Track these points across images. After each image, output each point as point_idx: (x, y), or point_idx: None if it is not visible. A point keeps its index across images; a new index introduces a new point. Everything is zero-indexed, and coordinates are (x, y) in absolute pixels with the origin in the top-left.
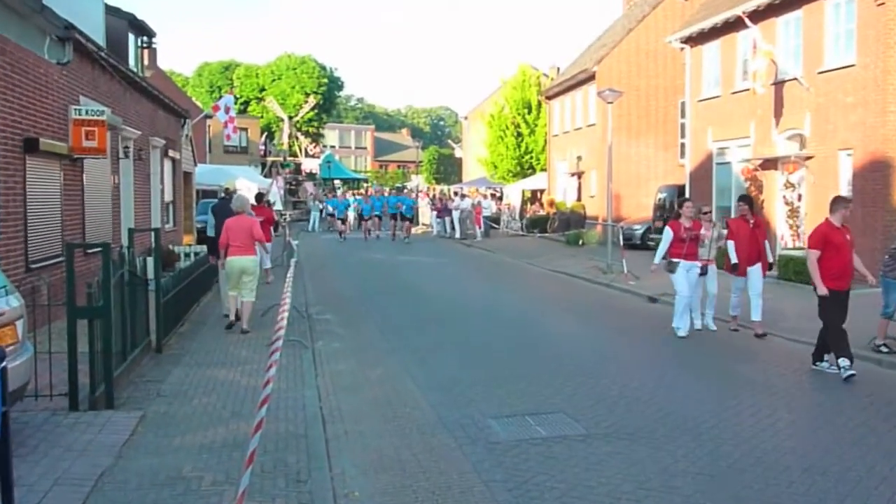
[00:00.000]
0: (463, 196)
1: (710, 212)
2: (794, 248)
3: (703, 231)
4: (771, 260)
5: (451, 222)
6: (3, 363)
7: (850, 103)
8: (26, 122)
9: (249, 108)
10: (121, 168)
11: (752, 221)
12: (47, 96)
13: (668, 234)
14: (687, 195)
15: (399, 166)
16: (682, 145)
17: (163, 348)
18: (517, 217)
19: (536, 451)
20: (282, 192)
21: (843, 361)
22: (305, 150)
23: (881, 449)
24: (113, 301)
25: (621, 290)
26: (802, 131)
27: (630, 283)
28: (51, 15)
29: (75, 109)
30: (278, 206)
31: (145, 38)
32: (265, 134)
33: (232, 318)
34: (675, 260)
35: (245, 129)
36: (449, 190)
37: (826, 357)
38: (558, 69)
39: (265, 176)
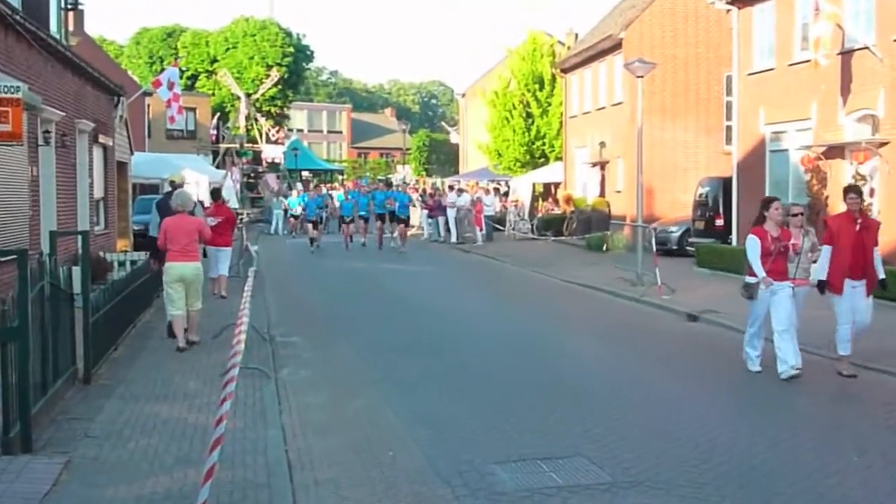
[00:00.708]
0: (460, 191)
1: (802, 213)
2: None
3: (793, 240)
4: (882, 275)
5: (446, 223)
6: None
7: None
8: None
9: (198, 84)
10: (40, 157)
11: (859, 222)
12: None
13: (753, 245)
14: (735, 190)
15: (382, 154)
16: (728, 129)
17: (92, 378)
18: (526, 216)
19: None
20: (237, 185)
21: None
22: (267, 134)
23: None
24: (31, 320)
25: (654, 305)
26: (875, 112)
27: (664, 298)
28: None
29: None
30: (233, 204)
31: None
32: (217, 115)
33: (182, 344)
34: (752, 280)
35: (192, 110)
36: (443, 184)
37: None
38: (576, 36)
39: (217, 166)
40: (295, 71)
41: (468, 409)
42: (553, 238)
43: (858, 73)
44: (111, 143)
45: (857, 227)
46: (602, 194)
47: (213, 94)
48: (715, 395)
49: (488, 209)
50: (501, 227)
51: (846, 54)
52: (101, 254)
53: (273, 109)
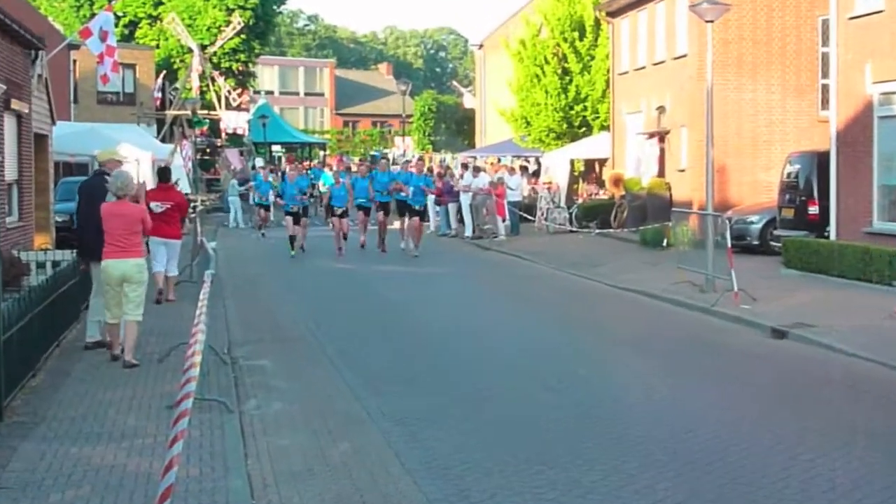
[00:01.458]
0: (477, 170)
1: None
2: None
3: None
4: None
5: (458, 212)
6: None
7: None
8: None
9: (138, 34)
10: None
11: None
12: None
13: None
14: (833, 168)
15: (375, 123)
16: (825, 89)
17: (4, 413)
18: (563, 203)
19: None
20: (189, 164)
21: None
22: (227, 98)
23: None
24: None
25: (729, 318)
26: None
27: (742, 308)
28: None
29: None
30: (185, 188)
31: None
32: (163, 74)
33: (116, 351)
34: None
35: (132, 67)
36: (454, 161)
37: None
38: None
39: (163, 140)
40: (263, 16)
41: (489, 455)
42: (597, 231)
43: None
44: (27, 111)
45: None
46: (661, 174)
47: (158, 47)
48: (825, 441)
49: (513, 194)
50: (530, 217)
51: None
52: (15, 253)
53: (235, 66)
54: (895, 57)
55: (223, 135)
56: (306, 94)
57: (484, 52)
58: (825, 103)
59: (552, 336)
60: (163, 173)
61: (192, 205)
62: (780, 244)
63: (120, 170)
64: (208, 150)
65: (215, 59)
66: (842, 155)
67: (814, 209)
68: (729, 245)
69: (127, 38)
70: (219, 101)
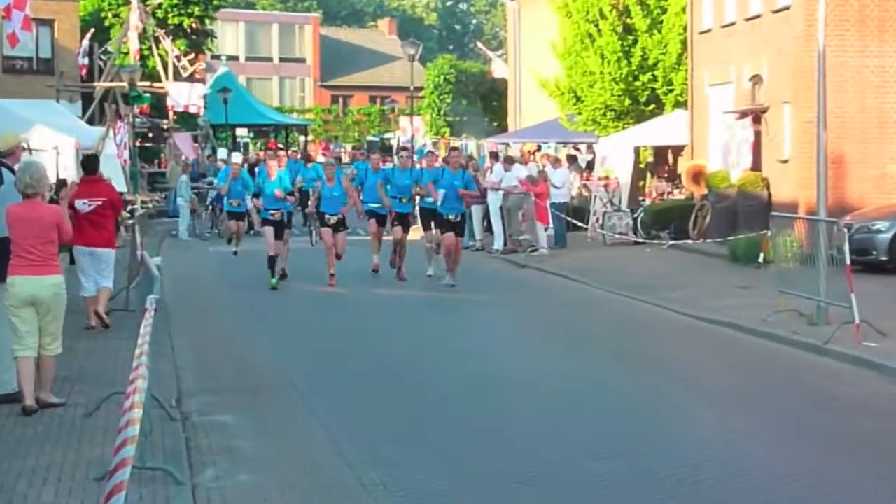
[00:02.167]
0: (510, 161)
1: None
2: None
3: None
4: None
5: (485, 217)
6: None
7: None
8: None
9: None
10: None
11: None
12: None
13: None
14: None
15: (374, 99)
16: None
17: None
18: (624, 204)
19: None
20: (126, 154)
21: None
22: (176, 66)
23: None
24: None
25: (849, 359)
26: None
27: (866, 346)
28: None
29: None
30: (120, 185)
31: None
32: (91, 33)
33: (30, 402)
34: None
35: (49, 23)
36: (479, 149)
37: None
38: None
39: (91, 120)
40: None
41: None
42: (671, 242)
43: None
44: None
45: None
46: (756, 166)
47: None
48: None
49: (559, 193)
50: (581, 224)
51: None
52: None
53: (187, 22)
54: None
55: (171, 114)
56: (282, 59)
57: (518, 2)
58: None
59: (611, 385)
60: (88, 163)
61: (128, 208)
62: None
63: (29, 159)
64: (151, 135)
65: (160, 13)
66: None
67: None
68: (848, 261)
69: None
70: (165, 69)
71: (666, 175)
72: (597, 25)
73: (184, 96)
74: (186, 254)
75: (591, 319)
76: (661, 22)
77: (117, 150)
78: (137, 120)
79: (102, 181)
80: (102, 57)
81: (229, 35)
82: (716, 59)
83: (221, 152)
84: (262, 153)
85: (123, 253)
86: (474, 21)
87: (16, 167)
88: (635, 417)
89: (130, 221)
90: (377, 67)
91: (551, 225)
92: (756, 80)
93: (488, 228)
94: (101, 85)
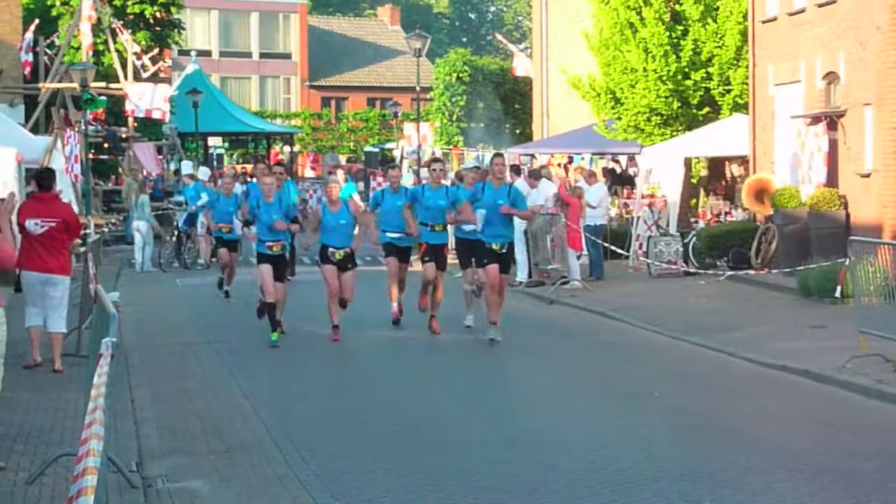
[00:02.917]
0: (536, 176)
1: None
2: None
3: None
4: None
5: None
6: None
7: None
8: None
9: None
10: None
11: None
12: None
13: None
14: None
15: (372, 101)
16: None
17: None
18: (674, 227)
19: None
20: (76, 168)
21: None
22: (136, 63)
23: None
24: None
25: None
26: None
27: None
28: None
29: None
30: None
31: None
32: (35, 24)
33: None
34: None
35: None
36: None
37: None
38: None
39: (34, 128)
40: None
41: None
42: (730, 272)
43: None
44: None
45: None
46: (831, 182)
47: None
48: None
49: (595, 213)
50: (621, 251)
51: None
52: None
53: (150, 11)
54: None
55: (131, 121)
56: (263, 55)
57: None
58: None
59: (660, 451)
60: (44, 177)
61: (80, 232)
62: None
63: None
64: (107, 145)
65: (118, 1)
66: None
67: None
68: None
69: None
70: (124, 67)
71: (723, 192)
72: (639, 13)
73: (146, 99)
74: (149, 288)
75: (634, 368)
76: (717, 9)
77: (66, 163)
78: (91, 128)
79: (58, 199)
80: (48, 51)
81: (200, 26)
82: (782, 53)
83: (186, 166)
84: (249, 167)
85: (74, 286)
86: (493, 8)
87: None
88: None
89: (83, 249)
90: (377, 64)
91: (585, 252)
92: (831, 77)
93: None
94: (47, 86)
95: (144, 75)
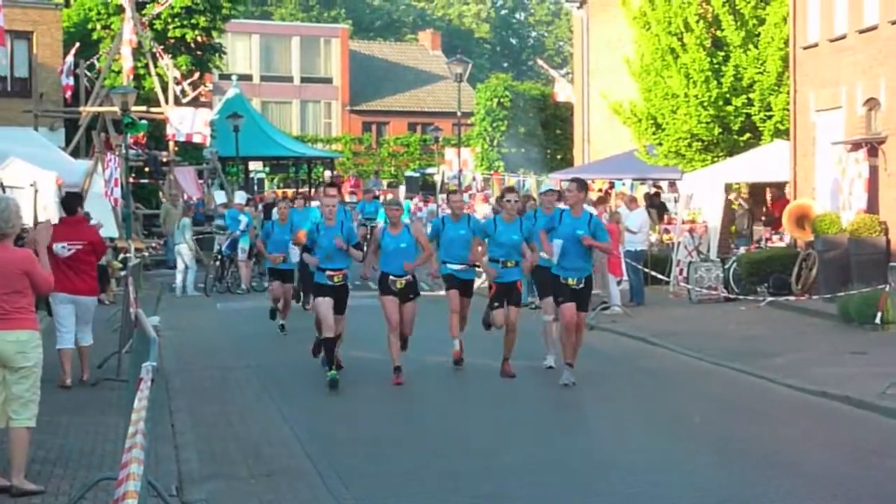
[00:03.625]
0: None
1: None
2: None
3: None
4: None
5: None
6: None
7: None
8: None
9: None
10: None
11: None
12: None
13: None
14: None
15: (413, 126)
16: None
17: None
18: (714, 254)
19: None
20: (117, 192)
21: None
22: (177, 87)
23: None
24: None
25: None
26: None
27: None
28: None
29: None
30: (109, 231)
31: None
32: (76, 48)
33: (3, 482)
34: None
35: (26, 36)
36: (537, 186)
37: None
38: None
39: (75, 152)
40: None
41: None
42: (770, 298)
43: None
44: None
45: None
46: (872, 208)
47: (69, 5)
48: None
49: (635, 239)
50: (662, 277)
51: None
52: None
53: (191, 35)
54: None
55: (171, 145)
56: (304, 79)
57: (587, 11)
58: None
59: (701, 477)
60: (68, 201)
61: (120, 257)
62: None
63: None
64: (148, 170)
65: (159, 25)
66: None
67: None
68: None
69: None
70: (164, 91)
71: (763, 218)
72: (681, 39)
73: (186, 123)
74: (189, 313)
75: (674, 394)
76: (758, 35)
77: (106, 187)
78: (131, 152)
79: (84, 222)
80: (88, 73)
81: (241, 50)
82: (823, 79)
83: (219, 195)
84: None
85: (115, 311)
86: (534, 34)
87: None
88: None
89: (123, 273)
90: (417, 89)
91: (625, 277)
92: (872, 104)
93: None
94: (87, 109)
95: (184, 101)
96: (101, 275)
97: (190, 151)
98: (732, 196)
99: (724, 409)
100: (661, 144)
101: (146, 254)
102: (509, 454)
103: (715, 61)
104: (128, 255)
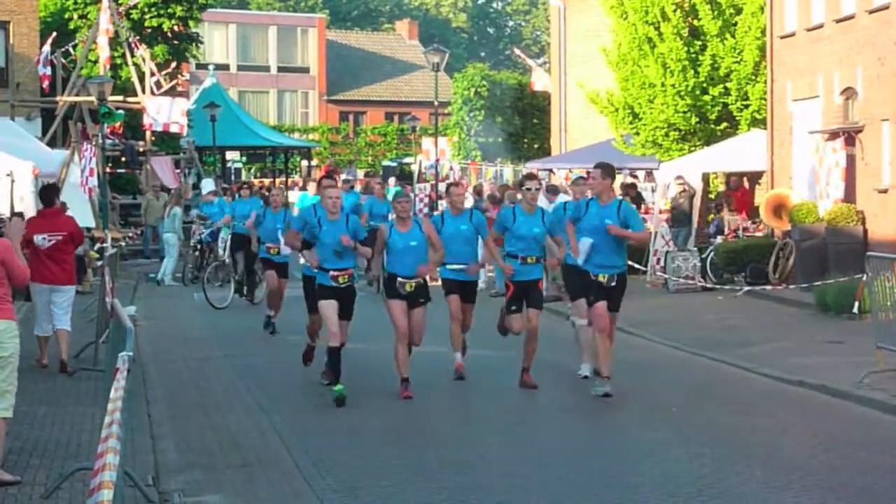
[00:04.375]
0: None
1: None
2: None
3: None
4: None
5: None
6: None
7: None
8: None
9: None
10: None
11: None
12: None
13: None
14: None
15: (390, 116)
16: None
17: None
18: (691, 243)
19: None
20: (93, 181)
21: None
22: (154, 76)
23: None
24: None
25: None
26: None
27: None
28: None
29: None
30: (86, 220)
31: None
32: (52, 37)
33: None
34: None
35: (2, 27)
36: (517, 176)
37: None
38: None
39: (52, 142)
40: None
41: None
42: (747, 287)
43: None
44: None
45: None
46: (849, 197)
47: None
48: None
49: None
50: (639, 266)
51: None
52: None
53: (168, 25)
54: None
55: (148, 134)
56: (281, 69)
57: (564, 1)
58: None
59: (677, 466)
60: (46, 193)
61: (96, 247)
62: None
63: None
64: (125, 159)
65: (136, 14)
66: None
67: None
68: None
69: None
70: (141, 80)
71: (740, 206)
72: (658, 28)
73: (164, 113)
74: (167, 303)
75: (651, 383)
76: (735, 24)
77: (82, 177)
78: (108, 141)
79: (62, 213)
80: (63, 60)
81: (218, 40)
82: (800, 68)
83: (207, 184)
84: (267, 181)
85: (91, 301)
86: (511, 23)
87: None
88: (717, 503)
89: (99, 263)
90: (395, 79)
91: None
92: (849, 93)
93: None
94: (64, 99)
95: (158, 92)
96: (78, 265)
97: (167, 141)
98: (679, 181)
99: (701, 398)
100: (638, 134)
101: (123, 244)
102: (486, 445)
103: (692, 51)
104: (104, 244)
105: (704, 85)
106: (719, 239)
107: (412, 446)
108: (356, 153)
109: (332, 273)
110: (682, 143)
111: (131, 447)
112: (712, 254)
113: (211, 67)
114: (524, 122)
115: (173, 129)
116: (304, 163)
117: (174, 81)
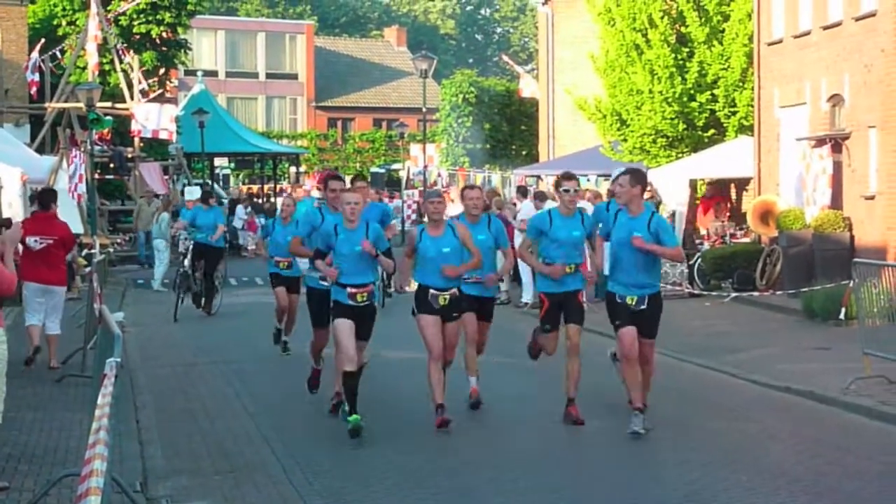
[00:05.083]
0: (542, 198)
1: None
2: None
3: None
4: None
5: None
6: None
7: None
8: None
9: None
10: None
11: None
12: None
13: None
14: None
15: (378, 122)
16: None
17: None
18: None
19: None
20: (81, 188)
21: None
22: (142, 82)
23: None
24: None
25: None
26: None
27: None
28: None
29: None
30: (75, 226)
31: None
32: (40, 44)
33: None
34: None
35: None
36: (504, 182)
37: None
38: None
39: (40, 148)
40: None
41: None
42: (734, 294)
43: None
44: None
45: None
46: (836, 204)
47: (34, 1)
48: None
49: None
50: None
51: None
52: None
53: (156, 31)
54: None
55: (137, 141)
56: (270, 75)
57: (552, 7)
58: None
59: (664, 472)
60: (44, 197)
61: (84, 253)
62: None
63: None
64: (113, 166)
65: (125, 21)
66: None
67: None
68: None
69: None
70: (130, 87)
71: (728, 214)
72: (645, 35)
73: (152, 119)
74: (156, 309)
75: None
76: (723, 31)
77: (70, 183)
78: (97, 148)
79: (55, 218)
80: (51, 64)
81: (207, 46)
82: (788, 75)
83: (190, 191)
84: (252, 188)
85: (80, 307)
86: (499, 30)
87: None
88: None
89: (87, 269)
90: (383, 85)
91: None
92: (836, 100)
93: (515, 278)
94: (53, 106)
95: (143, 101)
96: (67, 271)
97: (155, 147)
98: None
99: (688, 404)
100: (625, 140)
101: (111, 250)
102: (473, 449)
103: (679, 57)
104: (92, 251)
105: (692, 92)
106: (706, 245)
107: (400, 451)
108: (344, 159)
109: (349, 290)
110: (669, 150)
111: (119, 453)
112: (699, 260)
113: (199, 74)
114: (512, 129)
115: (162, 135)
116: (293, 169)
117: (159, 92)
